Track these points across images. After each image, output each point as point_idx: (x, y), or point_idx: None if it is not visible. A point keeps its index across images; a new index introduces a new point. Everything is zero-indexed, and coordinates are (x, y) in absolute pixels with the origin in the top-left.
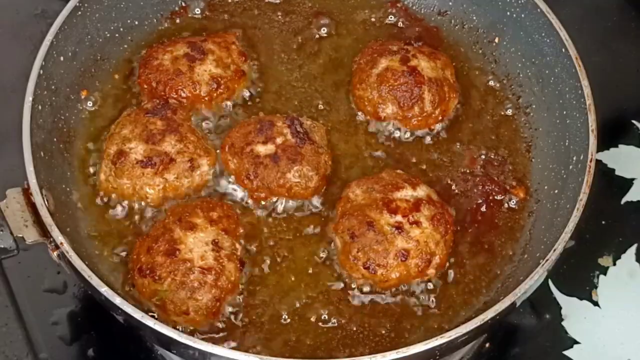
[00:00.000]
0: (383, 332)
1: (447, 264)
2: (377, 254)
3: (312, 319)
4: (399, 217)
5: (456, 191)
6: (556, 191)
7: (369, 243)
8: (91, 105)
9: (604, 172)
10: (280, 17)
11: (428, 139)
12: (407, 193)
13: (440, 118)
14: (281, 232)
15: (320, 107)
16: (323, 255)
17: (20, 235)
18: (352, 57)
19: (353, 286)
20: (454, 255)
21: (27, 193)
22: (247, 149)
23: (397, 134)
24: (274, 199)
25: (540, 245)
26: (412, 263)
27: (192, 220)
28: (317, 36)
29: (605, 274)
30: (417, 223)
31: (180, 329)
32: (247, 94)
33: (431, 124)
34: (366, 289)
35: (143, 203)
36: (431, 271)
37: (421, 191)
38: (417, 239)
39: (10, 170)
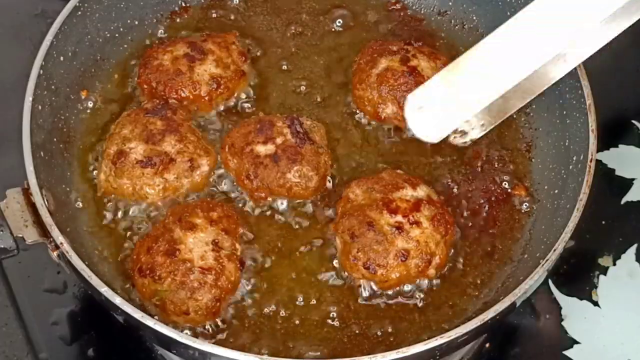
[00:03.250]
0: (383, 332)
1: (447, 264)
2: (377, 254)
3: (312, 319)
4: (399, 217)
5: (456, 191)
6: (556, 191)
7: (369, 243)
8: (91, 105)
9: (604, 172)
10: (280, 17)
11: None
12: (407, 193)
13: None
14: (281, 232)
15: (320, 107)
16: (323, 255)
17: (20, 235)
18: (352, 57)
19: (353, 286)
20: (454, 255)
21: (27, 193)
22: (247, 149)
23: (397, 134)
24: (274, 199)
25: (540, 245)
26: (412, 263)
27: (192, 220)
28: (317, 36)
29: (605, 274)
30: (417, 223)
31: (180, 329)
32: (247, 93)
33: None
34: (366, 289)
35: (143, 203)
36: (431, 271)
37: (421, 191)
38: (417, 239)
39: (10, 170)
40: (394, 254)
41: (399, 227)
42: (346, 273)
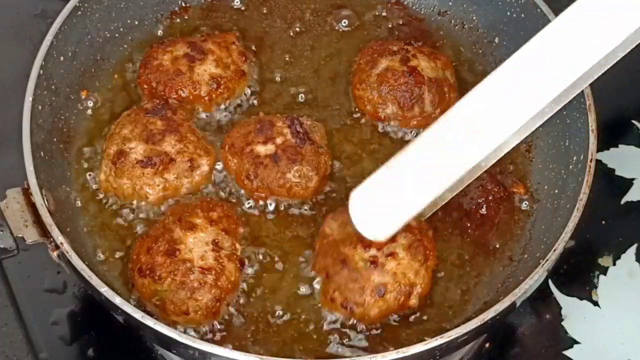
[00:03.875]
0: (383, 332)
1: (443, 266)
2: (353, 293)
3: (312, 319)
4: (373, 251)
5: None
6: (556, 191)
7: (344, 282)
8: (91, 105)
9: (604, 172)
10: (280, 17)
11: None
12: None
13: None
14: (281, 233)
15: (320, 107)
16: None
17: (20, 235)
18: (352, 57)
19: None
20: (454, 255)
21: (27, 193)
22: (247, 149)
23: (397, 135)
24: (274, 199)
25: (540, 245)
26: (391, 297)
27: (192, 220)
28: (317, 36)
29: (605, 274)
30: (392, 255)
31: (180, 329)
32: (247, 93)
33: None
34: None
35: (143, 203)
36: (413, 301)
37: None
38: (393, 272)
39: (10, 170)
40: (370, 290)
41: (374, 262)
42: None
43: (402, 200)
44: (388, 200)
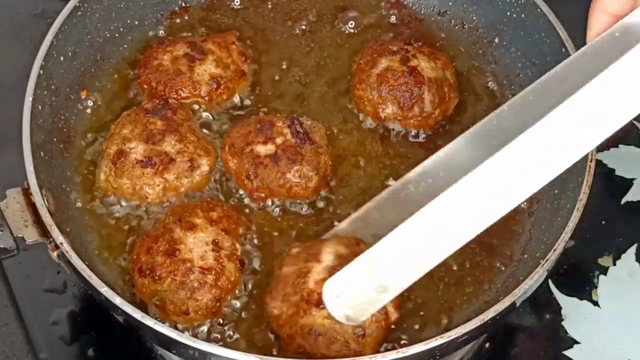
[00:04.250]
0: None
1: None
2: (338, 351)
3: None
4: None
5: None
6: (556, 191)
7: (325, 349)
8: (91, 105)
9: (604, 172)
10: (280, 17)
11: (428, 140)
12: (317, 271)
13: (440, 118)
14: (281, 232)
15: (320, 107)
16: None
17: (20, 235)
18: (352, 57)
19: None
20: (454, 255)
21: (27, 193)
22: (247, 149)
23: (397, 135)
24: (274, 199)
25: (540, 245)
26: (373, 329)
27: (192, 220)
28: (317, 36)
29: (605, 274)
30: None
31: (180, 328)
32: (247, 93)
33: (431, 124)
34: None
35: (143, 203)
36: (394, 317)
37: (329, 256)
38: None
39: (10, 170)
40: (352, 340)
41: None
42: None
43: (379, 288)
44: (365, 288)
